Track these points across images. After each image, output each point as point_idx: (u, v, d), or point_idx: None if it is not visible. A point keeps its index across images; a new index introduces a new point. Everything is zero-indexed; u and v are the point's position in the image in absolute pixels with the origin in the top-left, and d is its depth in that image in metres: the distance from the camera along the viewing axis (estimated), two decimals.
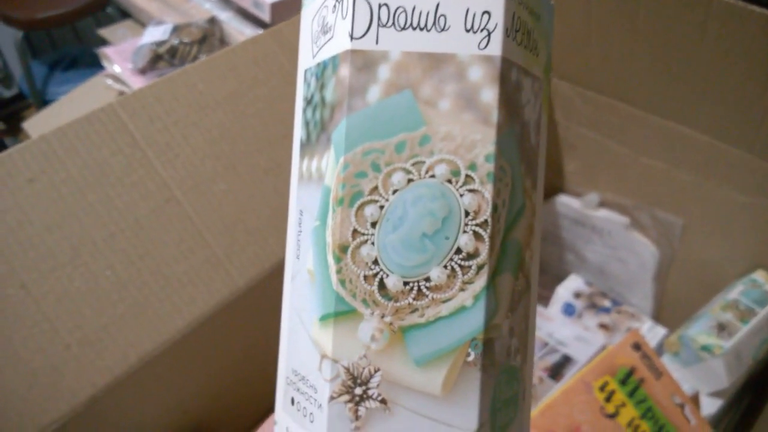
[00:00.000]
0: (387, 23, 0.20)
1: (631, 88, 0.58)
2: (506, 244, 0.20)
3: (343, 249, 0.19)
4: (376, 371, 0.19)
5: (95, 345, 0.39)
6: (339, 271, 0.19)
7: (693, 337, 0.56)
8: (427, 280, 0.19)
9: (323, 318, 0.20)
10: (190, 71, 0.45)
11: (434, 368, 0.19)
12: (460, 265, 0.19)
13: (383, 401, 0.19)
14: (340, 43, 0.20)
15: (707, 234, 0.62)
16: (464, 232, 0.19)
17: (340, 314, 0.19)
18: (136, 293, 0.41)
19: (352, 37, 0.20)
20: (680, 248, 0.65)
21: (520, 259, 0.21)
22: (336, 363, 0.19)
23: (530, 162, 0.21)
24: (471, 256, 0.19)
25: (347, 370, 0.19)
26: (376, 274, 0.19)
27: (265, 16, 0.64)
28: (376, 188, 0.19)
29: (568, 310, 0.68)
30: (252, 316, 0.46)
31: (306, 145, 0.22)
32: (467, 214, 0.19)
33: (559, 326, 0.65)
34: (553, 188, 0.72)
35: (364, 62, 0.20)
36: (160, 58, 0.69)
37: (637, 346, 0.50)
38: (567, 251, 0.74)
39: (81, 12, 1.47)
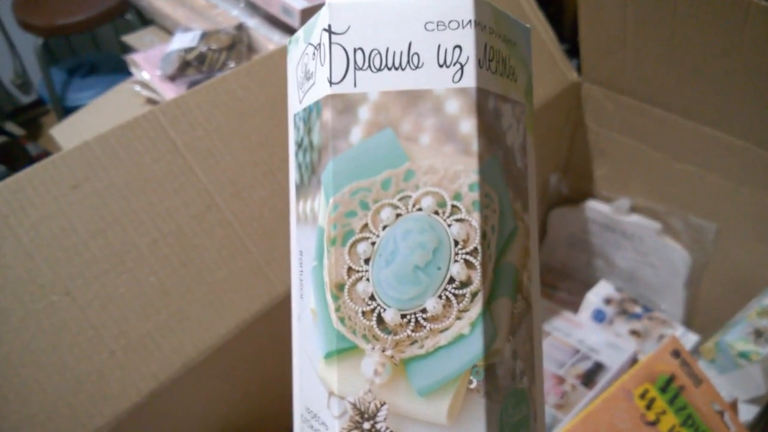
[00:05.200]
0: (363, 66, 0.20)
1: (665, 92, 0.58)
2: (500, 269, 0.20)
3: (340, 287, 0.20)
4: (382, 405, 0.19)
5: (140, 351, 0.39)
6: (338, 309, 0.20)
7: (730, 344, 0.55)
8: (424, 311, 0.19)
9: (327, 356, 0.20)
10: (229, 78, 0.45)
11: (438, 398, 0.19)
12: (454, 294, 0.19)
13: None
14: (321, 89, 0.21)
15: (741, 239, 0.62)
16: (455, 261, 0.20)
17: (343, 351, 0.20)
18: (180, 300, 0.41)
19: (331, 83, 0.20)
20: (713, 253, 0.64)
21: (516, 281, 0.21)
22: (343, 399, 0.20)
23: (518, 185, 0.22)
24: (464, 285, 0.19)
25: (354, 405, 0.19)
26: (373, 310, 0.20)
27: (295, 22, 0.64)
28: (366, 226, 0.20)
29: (599, 316, 0.67)
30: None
31: (300, 188, 0.23)
32: (457, 243, 0.20)
33: (590, 333, 0.65)
34: (583, 193, 0.71)
35: (345, 105, 0.20)
36: (188, 65, 0.69)
37: (676, 353, 0.49)
38: (596, 257, 0.73)
39: (100, 19, 1.48)
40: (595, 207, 0.69)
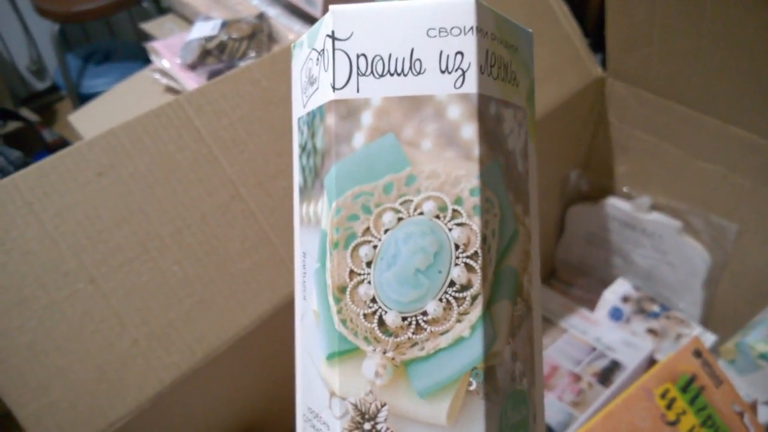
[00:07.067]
0: (366, 72, 0.21)
1: (690, 90, 0.57)
2: (500, 272, 0.21)
3: (342, 290, 0.20)
4: (382, 406, 0.20)
5: (162, 340, 0.39)
6: (340, 311, 0.20)
7: (751, 345, 0.55)
8: (424, 314, 0.20)
9: (329, 357, 0.20)
10: (254, 68, 0.45)
11: (438, 399, 0.20)
12: (454, 297, 0.20)
13: None
14: (324, 94, 0.21)
15: (762, 240, 0.61)
16: (456, 264, 0.20)
17: (344, 353, 0.20)
18: (202, 289, 0.41)
19: (334, 88, 0.21)
20: (734, 254, 0.63)
21: (516, 284, 0.21)
22: (344, 400, 0.20)
23: (519, 189, 0.22)
24: (465, 288, 0.20)
25: (355, 406, 0.20)
26: (375, 312, 0.20)
27: (317, 11, 0.64)
28: (368, 229, 0.20)
29: (616, 314, 0.67)
30: None
31: (304, 191, 0.23)
32: (457, 247, 0.20)
33: (607, 331, 0.64)
34: (603, 190, 0.71)
35: (348, 110, 0.20)
36: (209, 54, 0.69)
37: (698, 353, 0.49)
38: (614, 255, 0.73)
39: (117, 6, 1.48)
40: (615, 204, 0.69)
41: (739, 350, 0.56)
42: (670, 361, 0.49)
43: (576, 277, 0.78)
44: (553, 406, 0.57)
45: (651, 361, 0.62)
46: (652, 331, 0.65)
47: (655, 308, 0.66)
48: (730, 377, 0.56)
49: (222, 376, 0.43)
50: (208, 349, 0.40)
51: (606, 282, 0.70)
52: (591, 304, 0.69)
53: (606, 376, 0.60)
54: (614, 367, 0.61)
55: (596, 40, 0.67)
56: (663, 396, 0.47)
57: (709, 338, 0.63)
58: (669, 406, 0.47)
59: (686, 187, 0.63)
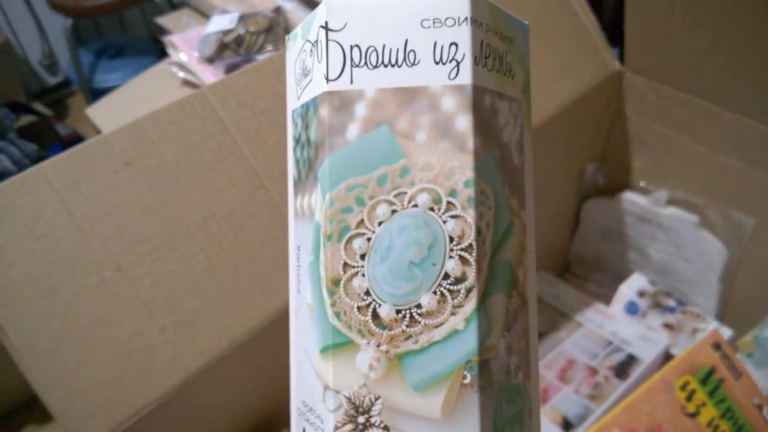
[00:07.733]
0: (360, 63, 0.20)
1: (710, 84, 0.57)
2: (495, 265, 0.21)
3: (336, 282, 0.20)
4: (376, 399, 0.20)
5: (189, 328, 0.40)
6: (333, 304, 0.20)
7: None
8: (419, 306, 0.20)
9: (323, 350, 0.20)
10: (276, 59, 0.45)
11: (432, 392, 0.19)
12: (449, 290, 0.20)
13: (386, 428, 0.20)
14: (318, 86, 0.21)
15: None
16: (450, 257, 0.20)
17: (338, 346, 0.20)
18: (228, 278, 0.41)
19: (327, 79, 0.20)
20: (751, 248, 0.63)
21: (512, 277, 0.21)
22: (338, 393, 0.20)
23: (515, 182, 0.22)
24: (459, 281, 0.20)
25: (349, 399, 0.20)
26: (369, 305, 0.20)
27: None
28: (362, 222, 0.20)
29: (632, 308, 0.67)
30: None
31: (298, 183, 0.23)
32: (452, 239, 0.20)
33: (623, 325, 0.65)
34: (620, 185, 0.71)
35: (341, 102, 0.20)
36: (226, 47, 0.69)
37: (717, 346, 0.49)
38: (630, 249, 0.73)
39: (129, 1, 1.48)
40: (631, 198, 0.69)
41: (756, 344, 0.56)
42: (690, 354, 0.49)
43: (591, 272, 0.79)
44: (569, 399, 0.58)
45: (667, 356, 0.63)
46: (668, 326, 0.65)
47: (671, 303, 0.67)
48: (749, 371, 0.56)
49: (246, 366, 0.43)
50: (233, 337, 0.40)
51: (621, 277, 0.70)
52: (606, 299, 0.69)
53: (622, 369, 0.60)
54: (630, 360, 0.61)
55: (614, 34, 0.67)
56: (683, 388, 0.47)
57: (725, 332, 0.63)
58: (689, 398, 0.47)
59: (704, 182, 0.63)
